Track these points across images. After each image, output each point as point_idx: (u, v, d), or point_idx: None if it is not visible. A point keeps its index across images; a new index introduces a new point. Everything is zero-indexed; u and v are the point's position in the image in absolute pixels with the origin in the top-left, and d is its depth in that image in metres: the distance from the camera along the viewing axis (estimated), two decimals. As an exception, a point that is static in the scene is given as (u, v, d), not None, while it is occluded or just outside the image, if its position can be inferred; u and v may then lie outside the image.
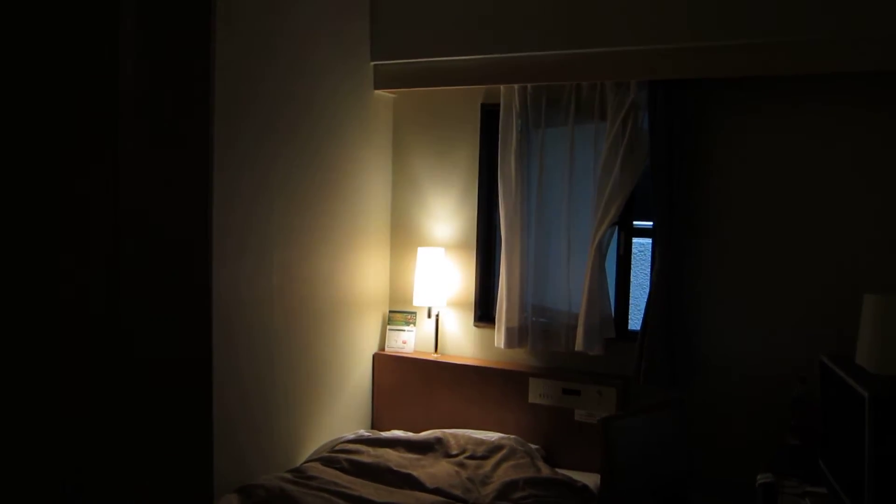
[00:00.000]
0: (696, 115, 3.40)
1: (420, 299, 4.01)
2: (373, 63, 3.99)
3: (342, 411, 3.96)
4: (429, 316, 4.08)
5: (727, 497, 3.17)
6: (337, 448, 3.62)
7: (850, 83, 3.17)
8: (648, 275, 3.53)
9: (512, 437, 3.64)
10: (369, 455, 3.51)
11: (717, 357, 3.44)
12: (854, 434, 1.80)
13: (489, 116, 3.96)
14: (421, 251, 4.03)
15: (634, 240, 3.72)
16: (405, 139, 4.23)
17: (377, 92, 4.06)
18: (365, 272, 4.07)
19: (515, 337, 3.77)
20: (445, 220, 4.12)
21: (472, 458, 3.50)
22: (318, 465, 3.43)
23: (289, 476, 3.28)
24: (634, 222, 3.68)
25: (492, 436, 3.66)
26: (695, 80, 3.34)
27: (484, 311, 4.04)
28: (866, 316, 2.81)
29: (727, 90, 3.39)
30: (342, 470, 3.39)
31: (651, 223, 3.47)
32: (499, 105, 3.82)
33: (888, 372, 2.70)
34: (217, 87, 2.75)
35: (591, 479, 3.31)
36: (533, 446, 3.60)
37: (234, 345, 3.17)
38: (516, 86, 3.76)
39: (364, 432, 3.88)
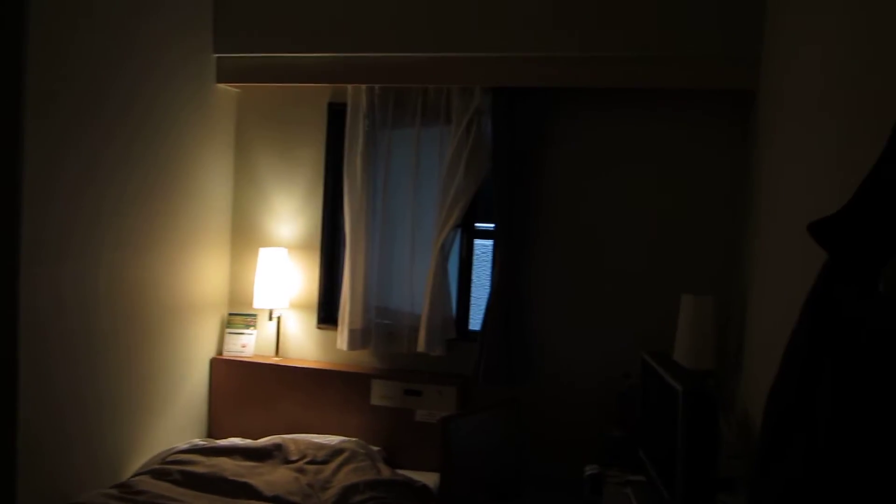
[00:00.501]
0: (535, 122, 3.53)
1: (261, 301, 3.89)
2: (216, 55, 3.83)
3: (176, 420, 3.76)
4: (270, 318, 3.97)
5: (559, 489, 3.32)
6: (169, 459, 3.43)
7: (663, 98, 3.45)
8: (489, 276, 3.63)
9: (353, 440, 3.62)
10: (204, 465, 3.35)
11: (552, 356, 3.59)
12: (669, 425, 1.94)
13: (336, 116, 3.91)
14: (262, 252, 3.91)
15: (477, 242, 3.81)
16: (248, 136, 4.09)
17: (219, 86, 3.90)
18: (203, 274, 3.89)
19: (358, 339, 3.75)
20: (289, 220, 4.03)
21: (312, 463, 3.43)
22: (147, 478, 3.23)
23: (114, 492, 3.06)
24: (477, 224, 3.77)
25: (333, 440, 3.61)
26: (536, 88, 3.47)
27: (327, 313, 3.98)
28: (682, 315, 3.05)
29: (565, 100, 3.55)
30: (174, 482, 3.21)
31: (493, 225, 3.57)
32: (346, 104, 3.79)
33: (701, 367, 2.94)
34: (29, 76, 2.52)
35: (431, 479, 3.34)
36: (374, 448, 3.59)
37: (48, 351, 2.90)
38: (364, 86, 3.74)
39: (199, 441, 3.70)
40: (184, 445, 3.60)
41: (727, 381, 3.18)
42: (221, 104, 3.98)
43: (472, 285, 3.80)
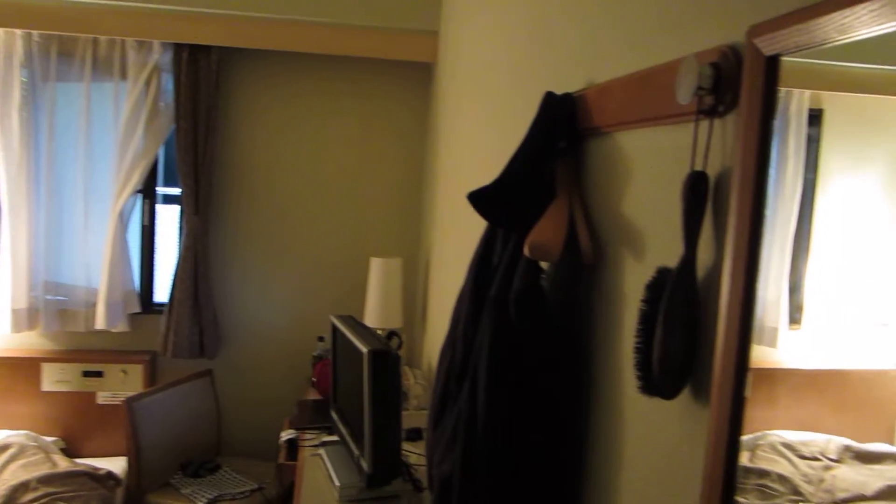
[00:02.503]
0: (220, 81, 3.39)
1: None
2: None
3: None
4: None
5: (258, 457, 3.30)
6: None
7: (352, 63, 3.52)
8: (176, 245, 3.43)
9: (22, 432, 3.23)
10: None
11: (245, 324, 3.53)
12: (357, 384, 2.01)
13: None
14: None
15: (163, 207, 3.57)
16: None
17: None
18: None
19: (24, 319, 3.33)
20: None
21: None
22: None
23: None
24: (160, 190, 3.53)
25: (-5, 434, 3.19)
26: (220, 46, 3.31)
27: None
28: (372, 277, 3.18)
29: (252, 58, 3.45)
30: None
31: (178, 191, 3.37)
32: (-3, 51, 3.27)
33: (390, 326, 3.10)
34: None
35: (119, 464, 3.13)
36: (49, 439, 3.25)
37: None
38: (19, 31, 3.26)
39: None
40: None
41: (414, 339, 3.40)
42: None
43: (157, 254, 3.56)
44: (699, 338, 1.04)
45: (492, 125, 2.20)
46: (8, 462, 3.00)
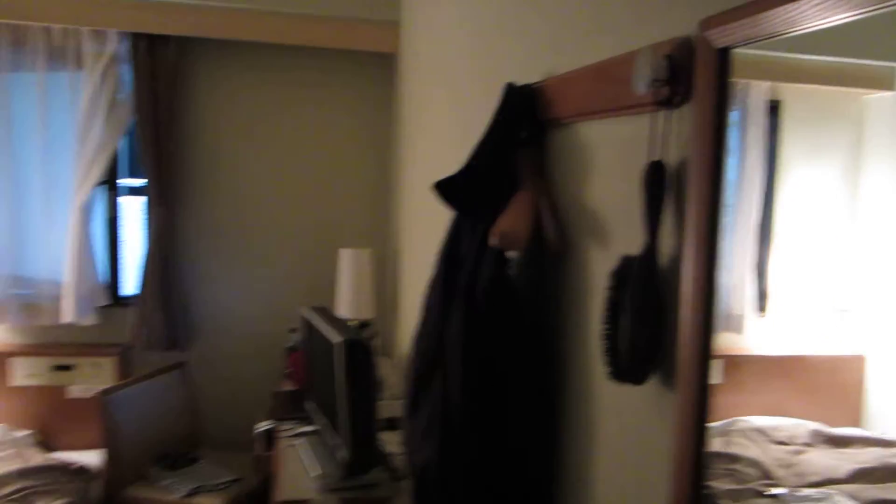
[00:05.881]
0: (180, 72, 3.33)
1: None
2: None
3: None
4: None
5: (235, 449, 3.30)
6: None
7: (315, 53, 3.47)
8: (142, 236, 3.38)
9: (-7, 428, 3.20)
10: None
11: (217, 316, 3.51)
12: (331, 375, 2.02)
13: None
14: None
15: (127, 199, 3.52)
16: None
17: None
18: None
19: (-11, 314, 3.28)
20: None
21: (-61, 461, 2.97)
22: None
23: None
24: (124, 181, 3.47)
25: (-33, 431, 3.16)
26: (179, 36, 3.25)
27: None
28: (342, 268, 3.17)
29: (214, 49, 3.40)
30: None
31: (142, 182, 3.32)
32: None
33: (361, 317, 3.10)
34: None
35: (91, 458, 3.11)
36: (20, 433, 3.22)
37: None
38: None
39: None
40: None
41: (387, 329, 3.40)
42: None
43: (123, 246, 3.51)
44: (664, 324, 1.06)
45: (455, 115, 2.20)
46: (-20, 459, 2.97)
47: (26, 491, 2.78)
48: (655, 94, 1.01)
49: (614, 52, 1.20)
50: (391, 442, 2.26)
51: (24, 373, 3.32)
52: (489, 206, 1.40)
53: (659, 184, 1.04)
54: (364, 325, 2.97)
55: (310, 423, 2.47)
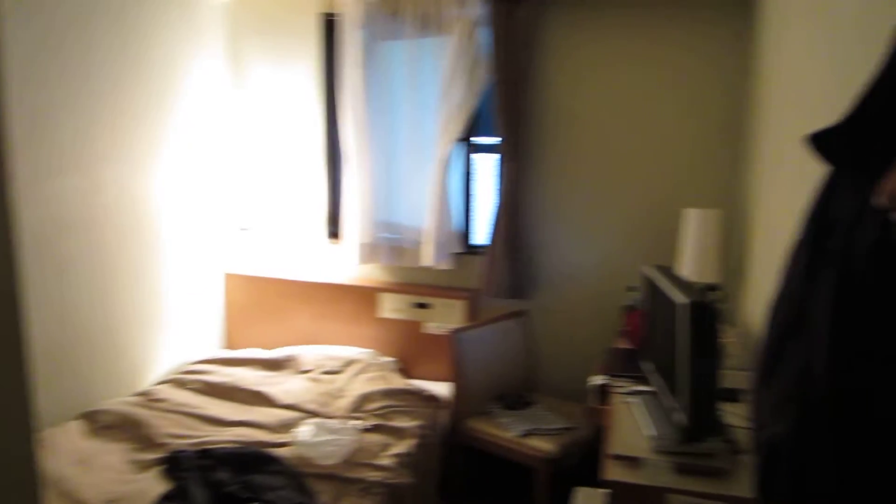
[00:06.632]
0: (532, 30, 3.43)
1: (268, 216, 3.92)
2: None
3: (193, 333, 3.86)
4: (278, 233, 4.00)
5: (566, 399, 3.41)
6: (187, 369, 3.55)
7: (660, 3, 3.32)
8: (494, 190, 3.61)
9: (366, 350, 3.71)
10: (221, 374, 3.47)
11: (558, 269, 3.62)
12: (672, 337, 1.97)
13: (329, 26, 3.82)
14: (266, 167, 3.92)
15: (480, 155, 3.78)
16: (243, 49, 4.01)
17: (206, -4, 3.81)
18: (208, 188, 3.90)
19: (366, 253, 3.79)
20: (291, 133, 3.99)
21: (326, 372, 3.54)
22: (167, 387, 3.36)
23: (136, 399, 3.20)
24: (479, 138, 3.72)
25: (346, 351, 3.70)
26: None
27: (334, 228, 4.00)
28: (687, 229, 3.05)
29: (564, 8, 3.44)
30: (193, 390, 3.34)
31: (496, 139, 3.53)
32: (336, 15, 3.68)
33: (705, 280, 2.96)
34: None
35: (441, 389, 3.45)
36: (386, 359, 3.69)
37: (54, 268, 2.97)
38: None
39: (216, 352, 3.81)
40: (202, 356, 3.71)
41: (731, 295, 3.21)
42: (210, 14, 3.88)
43: (476, 199, 3.78)
44: None
45: (832, 59, 1.95)
46: (356, 375, 3.48)
47: (388, 409, 3.18)
48: None
49: None
50: (730, 413, 2.15)
51: (389, 307, 3.79)
52: (877, 161, 1.23)
53: None
54: (711, 288, 2.83)
55: (644, 382, 2.45)
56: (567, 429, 3.06)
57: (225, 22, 3.99)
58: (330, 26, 3.80)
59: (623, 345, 2.96)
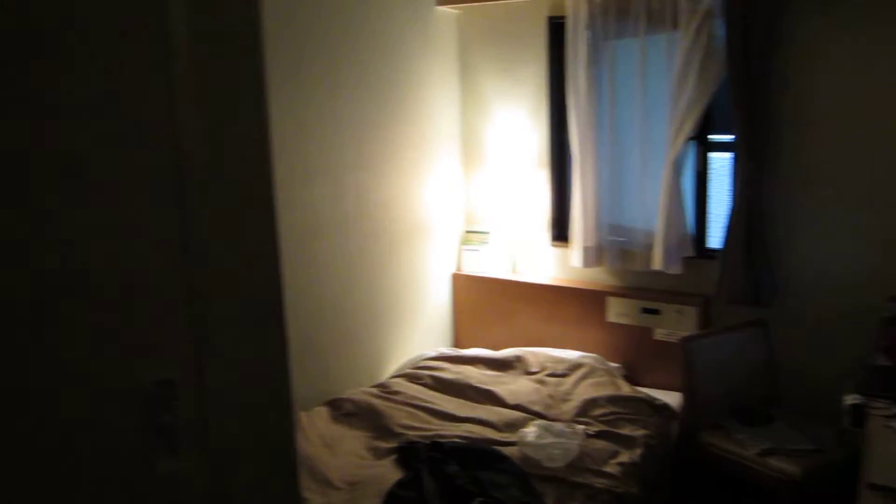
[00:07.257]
0: (771, 22, 3.17)
1: (493, 219, 4.02)
2: (433, -20, 3.90)
3: (424, 330, 4.07)
4: (503, 236, 4.09)
5: (811, 417, 3.11)
6: (420, 365, 3.74)
7: None
8: (728, 191, 3.39)
9: (591, 355, 3.67)
10: (451, 372, 3.62)
11: (802, 275, 3.32)
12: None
13: (556, 30, 3.83)
14: (491, 171, 4.02)
15: (714, 155, 3.57)
16: (471, 57, 4.15)
17: (439, 8, 3.97)
18: (437, 193, 4.08)
19: (592, 256, 3.74)
20: (515, 138, 4.05)
21: (552, 375, 3.55)
22: (401, 380, 3.56)
23: (374, 391, 3.43)
24: (712, 136, 3.52)
25: (571, 354, 3.70)
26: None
27: (560, 230, 4.00)
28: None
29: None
30: (425, 385, 3.51)
31: (730, 137, 3.31)
32: (565, 17, 3.67)
33: None
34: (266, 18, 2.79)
35: (671, 398, 3.32)
36: (613, 365, 3.62)
37: (309, 266, 3.28)
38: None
39: (445, 350, 3.99)
40: (432, 353, 3.91)
41: None
42: (443, 27, 4.05)
43: (709, 201, 3.58)
44: None
45: None
46: (581, 379, 3.46)
47: (615, 416, 3.11)
48: None
49: None
50: None
51: (617, 311, 3.71)
52: None
53: None
54: None
55: (910, 406, 2.18)
56: (814, 451, 2.80)
57: (456, 33, 4.15)
58: (557, 29, 3.81)
59: (883, 362, 2.64)
